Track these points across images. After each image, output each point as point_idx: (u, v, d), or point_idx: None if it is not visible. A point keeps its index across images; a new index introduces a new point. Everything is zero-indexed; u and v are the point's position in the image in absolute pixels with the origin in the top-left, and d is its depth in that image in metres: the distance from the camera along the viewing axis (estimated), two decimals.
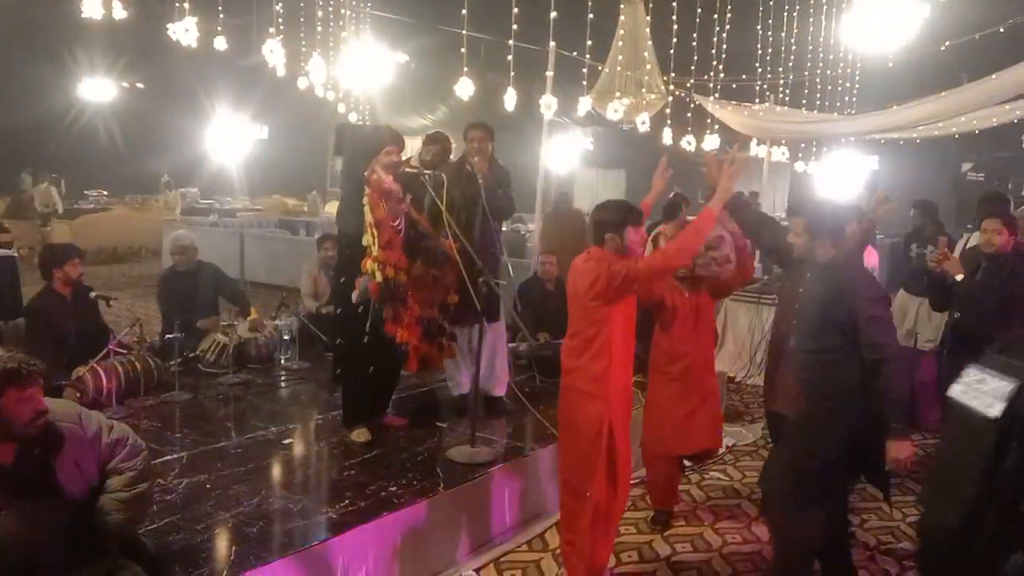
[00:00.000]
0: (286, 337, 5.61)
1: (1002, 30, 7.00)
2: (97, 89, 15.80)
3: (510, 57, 7.88)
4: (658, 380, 3.96)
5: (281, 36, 7.82)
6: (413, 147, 5.14)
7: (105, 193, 18.17)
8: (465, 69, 7.63)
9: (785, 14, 9.84)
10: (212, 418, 4.49)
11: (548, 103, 7.39)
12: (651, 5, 9.63)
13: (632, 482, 3.66)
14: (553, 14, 7.47)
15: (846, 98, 10.96)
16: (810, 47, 10.19)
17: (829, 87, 10.79)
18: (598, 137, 15.99)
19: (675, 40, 9.32)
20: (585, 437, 3.12)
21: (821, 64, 10.31)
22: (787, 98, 10.84)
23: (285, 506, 3.30)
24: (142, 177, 18.05)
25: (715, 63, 9.98)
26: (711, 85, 10.35)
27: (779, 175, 16.46)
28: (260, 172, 18.15)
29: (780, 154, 13.28)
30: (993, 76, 6.49)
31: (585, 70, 9.11)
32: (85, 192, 17.57)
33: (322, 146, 19.58)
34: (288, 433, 4.25)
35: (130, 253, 14.21)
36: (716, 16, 9.33)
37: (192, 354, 5.28)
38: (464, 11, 7.22)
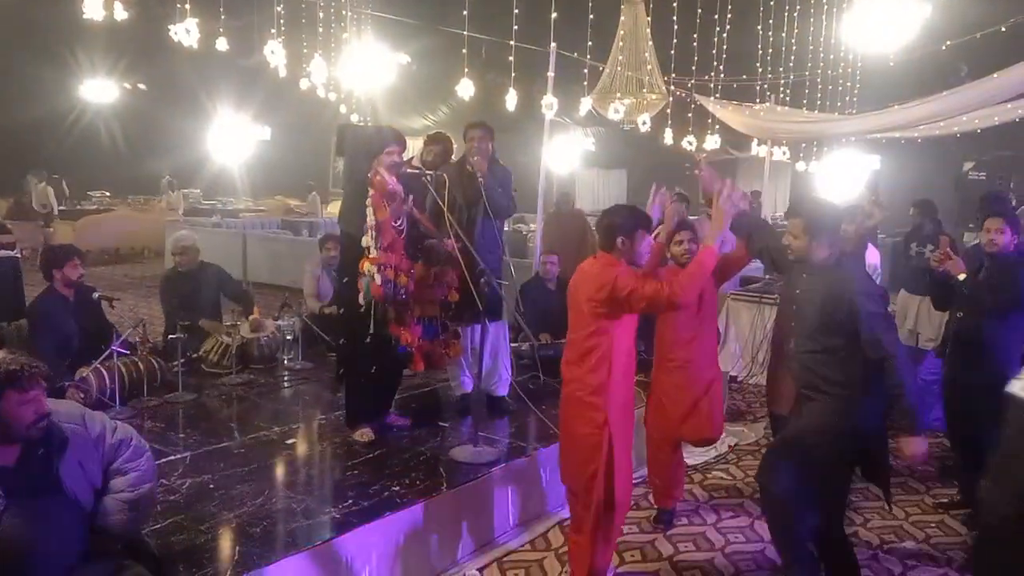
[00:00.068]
0: (289, 337, 5.62)
1: (1003, 29, 7.00)
2: (99, 90, 15.81)
3: (511, 58, 7.90)
4: (661, 369, 3.96)
5: (282, 37, 7.84)
6: (415, 147, 5.16)
7: (107, 194, 18.20)
8: (466, 70, 7.65)
9: (786, 14, 9.83)
10: (215, 418, 4.50)
11: (549, 103, 7.39)
12: (651, 5, 9.65)
13: (634, 482, 3.66)
14: (554, 15, 7.48)
15: (847, 98, 10.95)
16: (811, 47, 10.19)
17: (830, 87, 10.79)
18: (599, 137, 15.99)
19: (676, 40, 9.34)
20: (584, 447, 3.09)
21: (822, 64, 10.31)
22: (788, 98, 10.84)
23: (288, 506, 3.31)
24: (144, 178, 18.08)
25: (716, 63, 9.99)
26: (712, 85, 10.36)
27: (780, 175, 16.47)
28: (262, 173, 18.22)
29: (781, 154, 13.27)
30: (995, 75, 6.49)
31: (586, 70, 9.14)
32: (88, 193, 17.59)
33: (324, 147, 19.59)
34: (291, 433, 4.25)
35: (133, 254, 14.22)
36: (717, 16, 9.34)
37: (195, 354, 5.31)
38: (465, 12, 7.24)
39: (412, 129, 15.53)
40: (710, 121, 10.75)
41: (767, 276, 7.16)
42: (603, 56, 9.90)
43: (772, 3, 9.74)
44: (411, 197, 3.97)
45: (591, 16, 8.55)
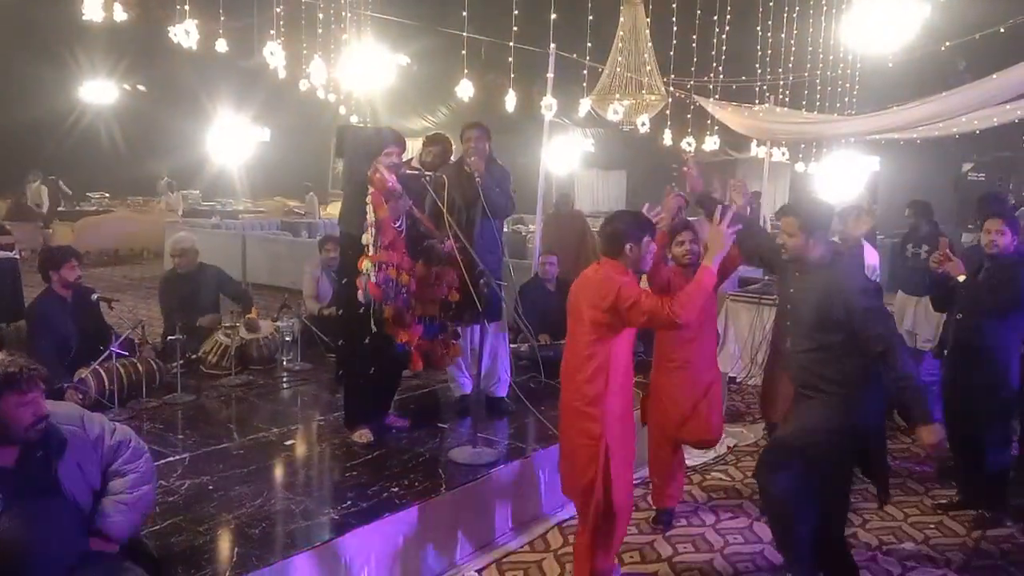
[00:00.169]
0: (288, 338, 5.62)
1: (1002, 30, 7.00)
2: (98, 91, 15.82)
3: (511, 59, 7.90)
4: (661, 370, 3.95)
5: (282, 38, 7.84)
6: (414, 148, 5.17)
7: (107, 195, 18.20)
8: (466, 71, 7.65)
9: (785, 15, 9.84)
10: (214, 419, 4.50)
11: (548, 104, 7.40)
12: (651, 6, 9.66)
13: (634, 483, 3.66)
14: (553, 16, 7.48)
15: (846, 99, 10.94)
16: (810, 48, 10.19)
17: (829, 88, 10.78)
18: (599, 138, 15.99)
19: (675, 41, 9.34)
20: (581, 457, 3.07)
21: (821, 65, 10.30)
22: (787, 99, 10.83)
23: (287, 507, 3.31)
24: (144, 179, 18.08)
25: (715, 64, 9.99)
26: (711, 86, 10.35)
27: (779, 176, 16.46)
28: (262, 174, 18.24)
29: (780, 155, 13.27)
30: (994, 76, 6.48)
31: (585, 71, 9.14)
32: (87, 194, 17.59)
33: (324, 148, 19.59)
34: (290, 434, 4.25)
35: (132, 255, 14.22)
36: (716, 17, 9.34)
37: (194, 356, 5.31)
38: (465, 13, 7.24)
39: (411, 130, 15.54)
40: (709, 122, 10.74)
41: (766, 277, 7.16)
42: (602, 57, 9.91)
43: (771, 4, 9.75)
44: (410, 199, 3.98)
45: (590, 17, 8.55)
